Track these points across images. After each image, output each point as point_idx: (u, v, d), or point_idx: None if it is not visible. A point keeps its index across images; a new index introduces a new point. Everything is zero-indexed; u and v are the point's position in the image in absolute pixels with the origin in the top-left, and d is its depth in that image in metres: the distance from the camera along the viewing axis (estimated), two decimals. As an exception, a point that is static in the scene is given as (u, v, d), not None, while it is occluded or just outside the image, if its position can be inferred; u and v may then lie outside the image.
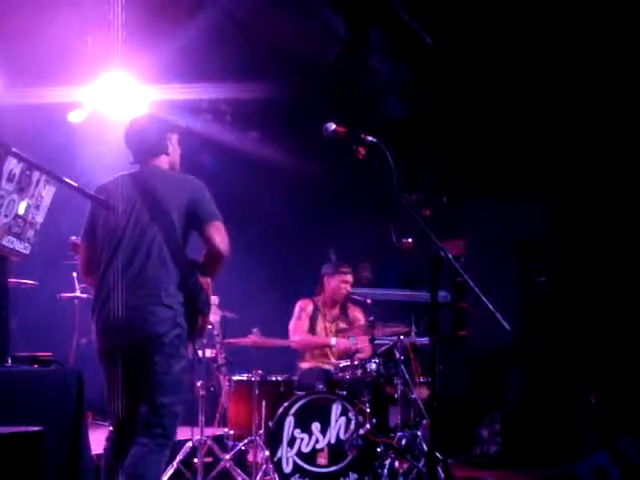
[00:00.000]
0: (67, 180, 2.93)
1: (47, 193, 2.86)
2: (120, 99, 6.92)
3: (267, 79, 7.18)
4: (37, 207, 2.85)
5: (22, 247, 2.83)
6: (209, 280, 3.87)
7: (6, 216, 2.70)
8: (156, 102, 6.84)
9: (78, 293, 7.02)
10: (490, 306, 3.29)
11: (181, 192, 3.81)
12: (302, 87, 7.32)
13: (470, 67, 6.98)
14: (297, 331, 6.41)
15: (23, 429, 2.19)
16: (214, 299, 6.47)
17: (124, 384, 3.59)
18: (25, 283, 5.84)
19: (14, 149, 2.64)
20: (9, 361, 2.85)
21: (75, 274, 6.99)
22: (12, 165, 2.67)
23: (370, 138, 3.47)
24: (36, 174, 2.79)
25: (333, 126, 3.50)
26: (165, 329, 3.63)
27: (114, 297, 3.67)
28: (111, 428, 3.71)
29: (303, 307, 6.50)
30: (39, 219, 2.88)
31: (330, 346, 6.34)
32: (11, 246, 2.77)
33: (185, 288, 3.74)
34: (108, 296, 3.67)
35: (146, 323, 3.63)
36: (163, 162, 4.00)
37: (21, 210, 2.77)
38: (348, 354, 6.22)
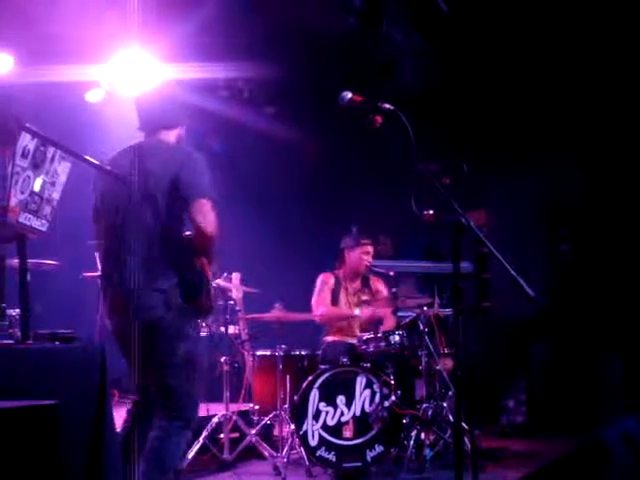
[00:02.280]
0: (82, 155, 2.92)
1: (63, 169, 2.84)
2: (137, 78, 6.89)
3: (282, 54, 7.13)
4: (53, 184, 2.84)
5: (39, 224, 2.82)
6: (204, 259, 3.75)
7: (22, 193, 2.69)
8: (172, 80, 6.80)
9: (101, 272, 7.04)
10: (513, 273, 3.25)
11: (170, 166, 3.69)
12: (318, 60, 7.26)
13: (487, 33, 6.89)
14: (320, 304, 6.40)
15: (36, 403, 2.19)
16: (235, 275, 6.48)
17: (136, 364, 3.62)
18: (48, 264, 5.86)
19: (28, 124, 2.63)
20: (31, 339, 2.86)
21: (97, 254, 7.00)
22: (26, 141, 2.65)
23: (387, 106, 3.43)
24: (51, 150, 2.77)
25: (349, 95, 3.45)
26: (160, 313, 3.60)
27: (112, 282, 3.69)
28: (131, 402, 3.77)
29: (325, 281, 6.48)
30: (55, 196, 2.86)
31: (354, 317, 6.32)
32: (28, 223, 2.76)
33: (178, 269, 3.65)
34: (108, 281, 3.71)
35: (140, 309, 3.62)
36: (171, 135, 3.94)
37: (37, 187, 2.76)
38: (372, 324, 6.21)
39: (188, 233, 3.73)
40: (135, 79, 6.90)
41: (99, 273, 6.98)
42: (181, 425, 3.69)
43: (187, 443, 3.82)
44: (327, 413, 5.45)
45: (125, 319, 3.64)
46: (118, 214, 3.73)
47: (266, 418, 5.76)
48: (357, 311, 6.31)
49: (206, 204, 3.59)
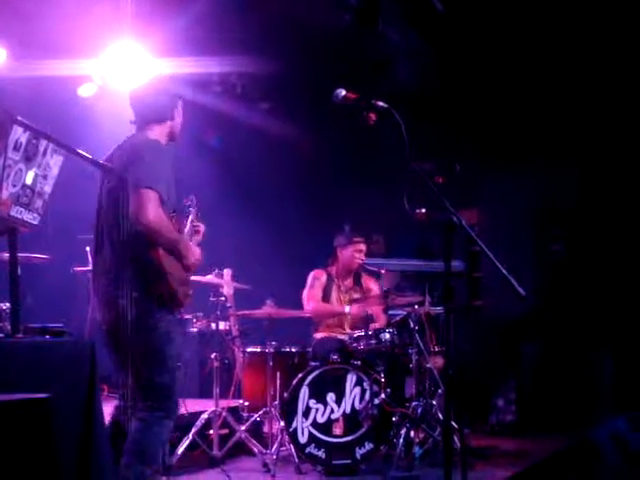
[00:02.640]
0: (75, 149, 2.91)
1: (55, 162, 2.83)
2: (130, 72, 6.87)
3: (277, 50, 7.12)
4: (45, 177, 2.83)
5: (31, 217, 2.81)
6: (160, 251, 3.65)
7: (14, 186, 2.68)
8: (166, 74, 6.79)
9: (91, 267, 7.02)
10: (505, 272, 3.26)
11: (129, 158, 3.70)
12: (313, 57, 7.25)
13: (482, 32, 6.89)
14: (311, 299, 6.40)
15: (29, 396, 2.18)
16: (227, 272, 6.48)
17: (117, 359, 3.72)
18: (38, 257, 5.84)
19: (19, 117, 2.62)
20: (21, 332, 2.85)
21: (89, 248, 6.98)
22: (18, 134, 2.64)
23: (381, 103, 3.43)
24: (43, 143, 2.76)
25: (343, 92, 3.46)
26: (122, 307, 3.62)
27: (92, 278, 3.85)
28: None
29: (317, 277, 6.48)
30: (47, 189, 2.85)
31: (344, 314, 6.32)
32: (19, 216, 2.75)
33: (133, 261, 3.65)
34: (93, 276, 3.87)
35: (107, 305, 3.69)
36: (162, 129, 3.95)
37: (29, 180, 2.75)
38: (363, 321, 6.21)
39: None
40: (128, 74, 6.87)
41: (89, 267, 7.02)
42: (161, 415, 3.68)
43: (169, 433, 3.80)
44: (317, 410, 5.46)
45: (107, 314, 3.71)
46: (101, 209, 3.82)
47: (256, 415, 5.76)
48: (347, 308, 6.30)
49: (144, 194, 3.52)
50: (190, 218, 4.17)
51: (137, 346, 3.64)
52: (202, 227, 4.23)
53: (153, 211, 3.52)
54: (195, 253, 3.90)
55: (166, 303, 3.71)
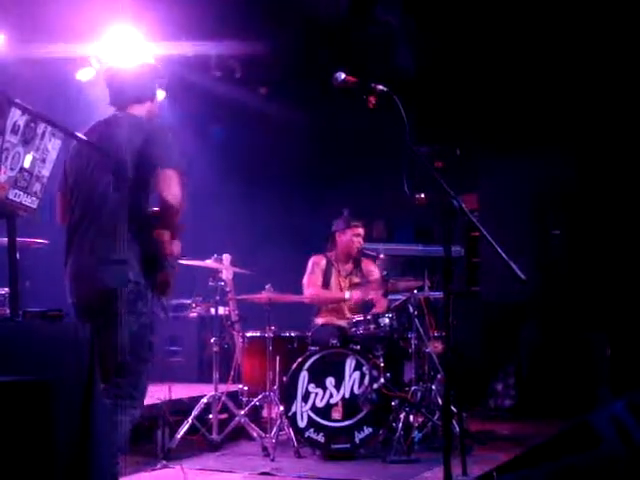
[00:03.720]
0: (73, 132, 2.90)
1: (53, 146, 2.81)
2: (128, 56, 6.84)
3: (276, 34, 7.09)
4: (43, 160, 2.81)
5: (29, 201, 2.80)
6: (167, 233, 3.64)
7: (12, 169, 2.66)
8: (164, 57, 6.76)
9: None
10: (505, 256, 3.26)
11: (138, 136, 3.66)
12: (311, 41, 7.22)
13: (482, 17, 6.86)
14: (310, 285, 6.40)
15: (26, 378, 2.18)
16: (226, 257, 6.47)
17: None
18: (37, 242, 5.82)
19: (17, 100, 2.60)
20: (20, 316, 2.84)
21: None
22: (16, 117, 2.62)
23: (380, 87, 3.43)
24: (41, 126, 2.74)
25: (343, 75, 3.45)
26: (115, 285, 3.56)
27: (73, 252, 3.70)
28: None
29: (316, 262, 6.48)
30: (45, 173, 2.84)
31: (344, 300, 6.32)
32: (18, 200, 2.74)
33: (140, 241, 3.61)
34: (69, 251, 3.74)
35: (96, 280, 3.60)
36: (142, 109, 3.92)
37: (27, 163, 2.73)
38: (363, 306, 6.22)
39: (156, 209, 3.69)
40: (126, 57, 6.84)
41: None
42: (126, 404, 3.60)
43: (132, 422, 3.66)
44: (316, 394, 5.46)
45: (83, 290, 3.66)
46: (79, 184, 3.76)
47: (255, 399, 5.77)
48: (347, 294, 6.30)
49: (172, 175, 3.55)
50: None
51: (118, 328, 3.56)
52: None
53: (179, 193, 3.55)
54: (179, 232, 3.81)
55: (156, 289, 3.66)
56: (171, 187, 3.53)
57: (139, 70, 4.05)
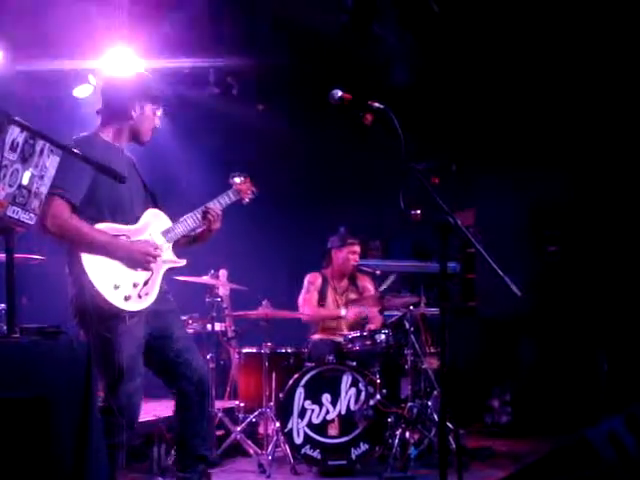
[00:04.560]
0: (71, 149, 2.91)
1: (51, 163, 2.82)
2: (125, 73, 6.87)
3: (273, 50, 7.12)
4: (41, 177, 2.82)
5: (27, 217, 2.81)
6: (80, 255, 3.63)
7: (10, 186, 2.67)
8: (161, 74, 6.80)
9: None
10: (501, 272, 3.26)
11: None
12: (308, 58, 7.26)
13: (478, 34, 6.90)
14: (306, 304, 6.41)
15: (25, 394, 2.18)
16: (222, 273, 6.48)
17: None
18: (34, 258, 5.83)
19: (17, 117, 2.62)
20: (17, 332, 2.84)
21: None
22: (15, 134, 2.64)
23: (377, 104, 3.44)
24: (40, 143, 2.75)
25: (339, 93, 3.46)
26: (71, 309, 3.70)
27: None
28: None
29: (312, 281, 6.48)
30: (43, 189, 2.85)
31: (340, 317, 6.32)
32: (16, 216, 2.75)
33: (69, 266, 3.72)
34: None
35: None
36: (119, 129, 3.91)
37: (25, 180, 2.74)
38: (359, 322, 6.22)
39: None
40: (123, 75, 6.87)
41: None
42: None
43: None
44: (312, 411, 5.46)
45: None
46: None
47: (251, 415, 5.76)
48: (343, 311, 6.31)
49: (49, 200, 3.49)
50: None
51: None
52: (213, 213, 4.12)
53: (49, 216, 3.54)
54: (137, 250, 3.73)
55: (92, 313, 3.62)
56: (43, 212, 3.42)
57: (120, 86, 4.00)
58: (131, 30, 6.61)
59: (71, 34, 6.26)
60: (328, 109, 3.57)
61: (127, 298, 3.65)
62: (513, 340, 7.75)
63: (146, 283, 3.75)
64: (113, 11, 6.56)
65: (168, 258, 3.92)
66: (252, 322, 6.18)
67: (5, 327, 2.96)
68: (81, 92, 7.06)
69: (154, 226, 3.94)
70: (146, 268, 3.76)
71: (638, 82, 7.08)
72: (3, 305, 4.85)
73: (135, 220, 3.86)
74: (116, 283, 3.64)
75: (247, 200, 4.37)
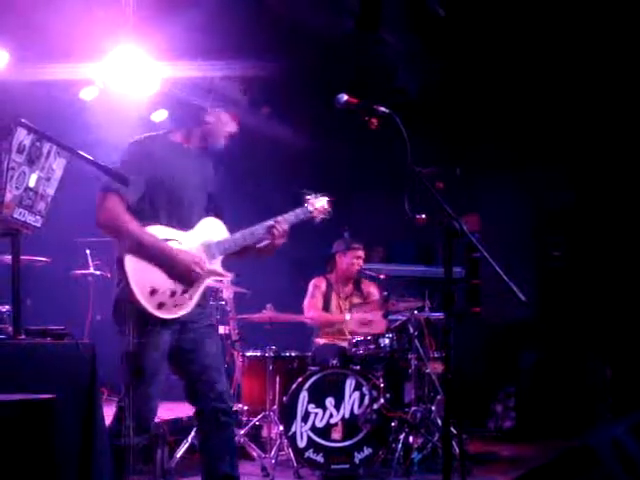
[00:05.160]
0: (78, 151, 2.92)
1: (58, 165, 2.83)
2: (132, 76, 6.88)
3: (279, 54, 7.13)
4: (48, 179, 2.84)
5: (33, 220, 2.82)
6: (126, 256, 3.61)
7: (17, 188, 2.69)
8: (168, 78, 6.81)
9: (92, 270, 7.04)
10: (506, 278, 3.26)
11: None
12: (314, 62, 7.26)
13: (483, 38, 6.91)
14: (311, 309, 6.41)
15: (33, 396, 2.19)
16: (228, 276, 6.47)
17: None
18: (38, 260, 5.85)
19: (23, 120, 2.63)
20: (22, 334, 2.85)
21: (89, 251, 7.01)
22: (22, 137, 2.65)
23: (383, 109, 3.44)
24: (47, 146, 2.77)
25: (345, 97, 3.46)
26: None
27: None
28: None
29: (317, 285, 6.49)
30: (50, 192, 2.86)
31: (344, 322, 6.32)
32: (22, 219, 2.76)
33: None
34: None
35: None
36: (188, 131, 3.90)
37: (32, 182, 2.76)
38: (362, 329, 6.22)
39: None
40: (130, 77, 6.88)
41: (89, 271, 7.04)
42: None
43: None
44: (316, 415, 5.46)
45: None
46: None
47: (255, 419, 5.77)
48: (347, 317, 6.31)
49: (99, 195, 3.60)
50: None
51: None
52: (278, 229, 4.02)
53: (103, 211, 3.57)
54: (181, 261, 3.65)
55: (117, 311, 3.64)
56: (97, 207, 3.60)
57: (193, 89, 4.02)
58: (137, 33, 6.62)
59: (77, 36, 6.27)
60: (333, 113, 3.57)
61: (161, 305, 3.60)
62: (517, 345, 7.74)
63: (184, 292, 3.68)
64: (119, 13, 6.56)
65: (214, 269, 3.82)
66: (256, 326, 6.18)
67: (10, 329, 2.97)
68: (87, 94, 7.07)
69: (208, 235, 3.85)
70: (187, 280, 3.69)
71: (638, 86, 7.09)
72: (8, 307, 4.86)
73: (191, 226, 3.80)
74: (154, 288, 3.59)
75: (318, 220, 4.29)
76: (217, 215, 3.99)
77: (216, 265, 3.85)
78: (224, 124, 3.95)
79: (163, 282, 3.62)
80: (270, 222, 4.02)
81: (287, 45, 7.04)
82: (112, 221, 3.58)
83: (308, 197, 4.21)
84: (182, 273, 3.65)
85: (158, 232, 3.66)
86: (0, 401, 2.02)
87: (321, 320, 6.40)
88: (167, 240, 3.67)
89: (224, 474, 3.81)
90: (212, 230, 3.89)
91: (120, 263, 3.58)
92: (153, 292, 3.58)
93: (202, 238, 3.81)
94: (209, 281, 3.82)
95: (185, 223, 3.77)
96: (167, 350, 3.70)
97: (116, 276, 3.67)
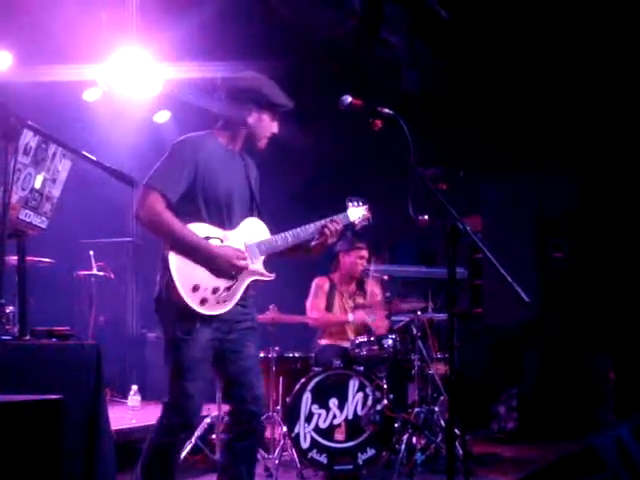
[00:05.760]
0: (84, 153, 2.93)
1: (63, 167, 2.84)
2: (135, 77, 6.90)
3: (282, 55, 7.13)
4: (54, 181, 2.85)
5: (39, 221, 2.83)
6: (169, 251, 3.60)
7: (23, 189, 2.70)
8: (171, 80, 6.83)
9: (95, 271, 7.05)
10: (509, 278, 3.27)
11: None
12: (317, 63, 7.27)
13: (486, 40, 6.92)
14: (314, 308, 6.41)
15: (43, 397, 2.20)
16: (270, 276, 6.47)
17: None
18: (42, 261, 5.86)
19: (30, 122, 2.63)
20: (28, 335, 2.86)
21: (92, 252, 7.03)
22: (28, 138, 2.66)
23: (386, 110, 3.45)
24: (52, 148, 2.78)
25: (349, 99, 3.47)
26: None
27: None
28: None
29: (320, 285, 6.49)
30: (56, 193, 2.87)
31: (347, 322, 6.33)
32: (28, 220, 2.77)
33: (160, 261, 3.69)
34: None
35: None
36: (233, 134, 3.89)
37: (37, 184, 2.77)
38: (366, 328, 6.22)
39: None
40: (133, 78, 6.90)
41: (92, 272, 7.06)
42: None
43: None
44: (319, 415, 5.46)
45: None
46: None
47: (258, 420, 5.76)
48: (350, 317, 6.30)
49: (142, 189, 3.59)
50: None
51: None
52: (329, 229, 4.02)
53: (141, 205, 3.55)
54: (223, 256, 3.65)
55: (160, 309, 3.65)
56: (137, 201, 3.59)
57: (235, 90, 3.89)
58: (140, 35, 6.63)
59: (80, 38, 6.29)
60: (337, 114, 3.58)
61: (203, 301, 3.60)
62: (520, 346, 7.74)
63: (227, 289, 3.69)
64: (123, 15, 6.58)
65: (256, 269, 3.82)
66: (259, 326, 6.17)
67: (16, 329, 2.98)
68: (91, 96, 7.09)
69: (250, 235, 3.85)
70: (229, 276, 3.69)
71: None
72: (12, 308, 4.87)
73: (233, 225, 3.80)
74: (196, 284, 3.60)
75: (359, 227, 4.31)
76: (259, 216, 3.98)
77: (258, 265, 3.84)
78: (264, 126, 3.94)
79: (205, 279, 3.63)
80: (322, 222, 4.04)
81: (290, 46, 7.05)
82: (153, 218, 3.57)
83: (349, 203, 4.21)
84: (224, 269, 3.66)
85: (200, 230, 3.66)
86: (10, 402, 2.03)
87: (324, 321, 6.40)
88: (208, 238, 3.68)
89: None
90: (254, 230, 3.89)
91: (164, 259, 3.59)
92: (195, 288, 3.59)
93: (244, 238, 3.81)
94: (251, 279, 3.81)
95: (227, 222, 3.77)
96: (211, 348, 3.69)
97: (158, 276, 3.67)
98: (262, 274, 3.86)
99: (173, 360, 3.61)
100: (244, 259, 3.72)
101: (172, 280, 3.54)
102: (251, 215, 3.92)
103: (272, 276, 3.91)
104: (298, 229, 4.00)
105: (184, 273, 3.58)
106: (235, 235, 3.78)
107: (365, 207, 4.27)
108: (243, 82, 3.93)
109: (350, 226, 4.20)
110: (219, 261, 3.64)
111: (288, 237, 3.96)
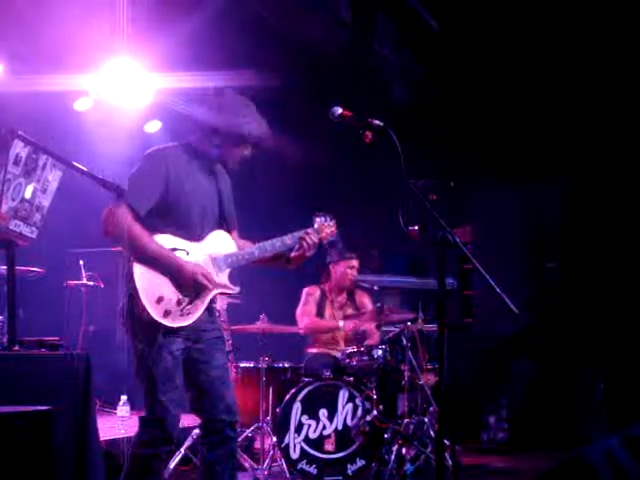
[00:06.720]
0: (74, 163, 2.93)
1: (54, 177, 2.84)
2: (126, 87, 6.89)
3: (273, 67, 7.16)
4: (44, 191, 2.84)
5: (29, 231, 2.83)
6: (134, 264, 3.61)
7: (13, 199, 2.69)
8: (162, 90, 6.83)
9: (85, 281, 7.03)
10: (498, 289, 3.28)
11: None
12: (308, 74, 7.29)
13: (476, 52, 6.95)
14: (305, 315, 6.41)
15: (32, 408, 2.19)
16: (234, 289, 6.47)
17: None
18: (32, 271, 5.84)
19: (20, 132, 2.63)
20: (17, 345, 2.85)
21: (82, 262, 7.01)
22: (19, 149, 2.66)
23: (377, 122, 3.45)
24: (43, 158, 2.78)
25: (340, 110, 3.48)
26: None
27: None
28: None
29: (310, 293, 6.50)
30: (45, 203, 2.87)
31: (338, 329, 6.33)
32: (18, 230, 2.77)
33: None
34: None
35: None
36: (202, 143, 3.89)
37: (28, 194, 2.77)
38: (356, 336, 6.23)
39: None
40: (124, 88, 6.89)
41: (82, 282, 7.04)
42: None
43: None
44: (309, 426, 5.46)
45: None
46: None
47: (248, 430, 5.75)
48: (341, 323, 6.31)
49: (117, 205, 3.56)
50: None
51: None
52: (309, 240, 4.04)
53: (114, 222, 3.54)
54: (188, 271, 3.63)
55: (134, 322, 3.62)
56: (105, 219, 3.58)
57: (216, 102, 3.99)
58: (131, 45, 6.63)
59: (71, 47, 6.28)
60: (328, 125, 3.58)
61: (167, 313, 3.60)
62: (510, 356, 7.75)
63: (191, 302, 3.69)
64: (114, 25, 6.58)
65: (221, 282, 3.81)
66: (249, 336, 6.18)
67: (5, 339, 2.97)
68: (82, 105, 7.08)
69: (217, 248, 3.85)
70: (193, 290, 3.69)
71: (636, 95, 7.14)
72: (1, 317, 4.85)
73: (200, 238, 3.79)
74: (160, 296, 3.60)
75: (325, 242, 4.31)
76: (229, 229, 3.97)
77: (223, 278, 3.83)
78: (237, 153, 3.95)
79: (169, 291, 3.63)
80: (301, 233, 4.06)
81: (281, 58, 7.07)
82: (121, 232, 3.56)
83: (315, 218, 4.21)
84: (188, 283, 3.66)
85: (166, 242, 3.67)
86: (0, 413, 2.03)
87: (315, 326, 6.39)
88: (175, 250, 3.68)
89: None
90: (221, 243, 3.88)
91: (129, 273, 3.59)
92: (159, 300, 3.59)
93: (210, 250, 3.81)
94: (216, 292, 3.81)
95: (194, 234, 3.77)
96: (180, 359, 3.68)
97: (124, 288, 3.67)
98: (227, 287, 3.85)
99: (145, 374, 3.60)
100: (208, 278, 3.71)
101: (136, 291, 3.55)
102: (219, 228, 3.92)
103: (237, 289, 3.91)
104: (266, 243, 4.02)
105: (148, 285, 3.58)
106: (201, 247, 3.79)
107: (332, 222, 4.25)
108: (221, 119, 3.92)
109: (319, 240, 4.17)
110: (184, 275, 3.65)
111: (255, 251, 3.97)
